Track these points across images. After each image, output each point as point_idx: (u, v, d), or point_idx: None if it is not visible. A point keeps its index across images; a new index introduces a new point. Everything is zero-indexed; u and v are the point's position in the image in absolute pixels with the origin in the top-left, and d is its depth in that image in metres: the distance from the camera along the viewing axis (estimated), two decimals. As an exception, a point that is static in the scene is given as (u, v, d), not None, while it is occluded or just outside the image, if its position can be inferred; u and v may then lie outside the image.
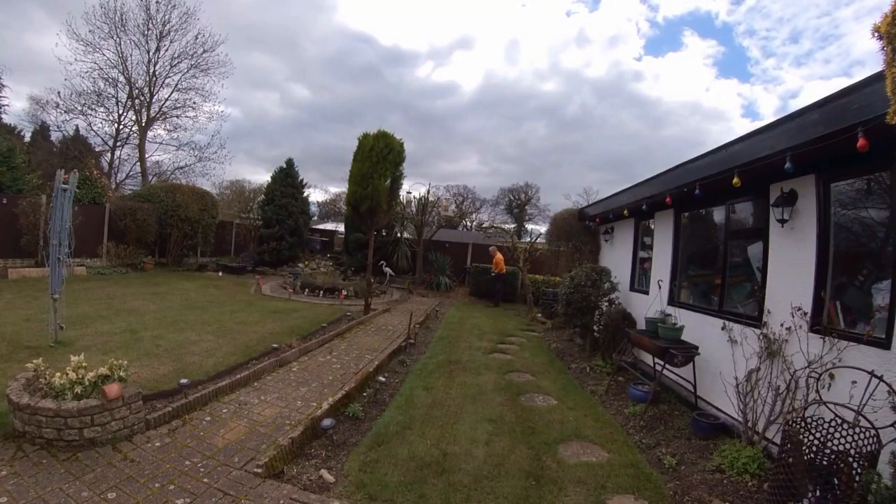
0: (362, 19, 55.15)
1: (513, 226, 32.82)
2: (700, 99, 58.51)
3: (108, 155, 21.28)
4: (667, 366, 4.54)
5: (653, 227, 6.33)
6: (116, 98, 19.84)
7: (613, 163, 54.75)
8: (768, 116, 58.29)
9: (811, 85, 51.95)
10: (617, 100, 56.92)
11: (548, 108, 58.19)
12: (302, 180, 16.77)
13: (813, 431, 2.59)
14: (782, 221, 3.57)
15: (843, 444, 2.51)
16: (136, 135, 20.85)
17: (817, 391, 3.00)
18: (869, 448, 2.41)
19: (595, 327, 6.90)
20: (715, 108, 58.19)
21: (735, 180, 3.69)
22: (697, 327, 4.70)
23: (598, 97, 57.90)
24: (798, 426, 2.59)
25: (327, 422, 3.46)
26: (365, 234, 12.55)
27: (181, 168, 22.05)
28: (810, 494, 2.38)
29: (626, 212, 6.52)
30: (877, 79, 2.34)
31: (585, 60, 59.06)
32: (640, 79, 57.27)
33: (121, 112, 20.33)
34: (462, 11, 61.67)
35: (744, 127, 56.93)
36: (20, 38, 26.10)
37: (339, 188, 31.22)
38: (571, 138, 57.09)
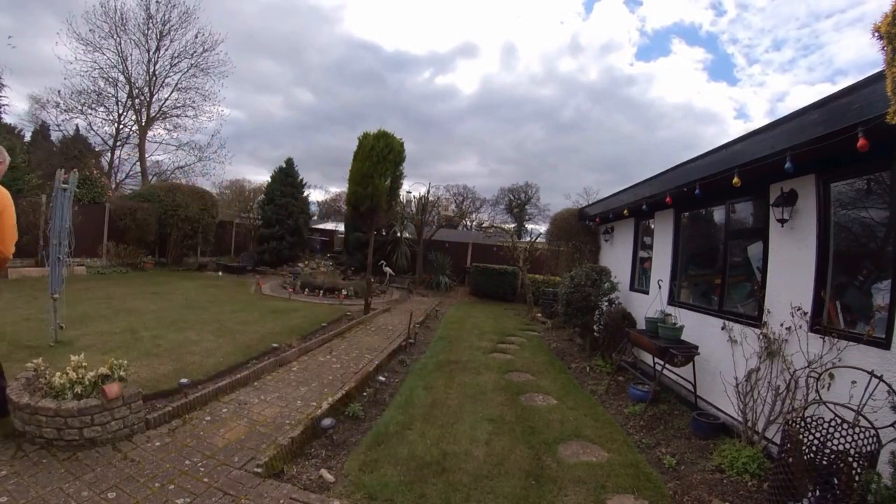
0: (365, 28, 55.89)
1: (513, 225, 32.82)
2: (692, 102, 59.28)
3: (108, 154, 21.29)
4: (667, 365, 4.54)
5: (653, 226, 6.33)
6: (116, 98, 19.86)
7: (610, 164, 55.13)
8: (758, 118, 59.15)
9: (797, 90, 53.04)
10: (611, 103, 57.56)
11: (544, 112, 58.91)
12: (302, 180, 16.78)
13: (813, 431, 2.59)
14: (782, 221, 3.57)
15: (843, 444, 2.51)
16: (136, 134, 20.85)
17: (817, 391, 3.00)
18: (869, 448, 2.42)
19: (595, 327, 6.90)
20: (707, 110, 58.99)
21: (735, 180, 3.69)
22: (697, 327, 4.70)
23: (593, 101, 58.58)
24: (798, 426, 2.59)
25: (327, 421, 3.46)
26: (365, 233, 12.55)
27: (181, 168, 22.07)
28: (810, 494, 2.38)
29: (626, 211, 6.51)
30: (877, 79, 2.35)
31: (579, 66, 59.61)
32: (633, 83, 57.86)
33: (121, 112, 20.34)
34: (461, 22, 63.19)
35: (738, 129, 57.63)
36: (33, 44, 26.33)
37: (339, 188, 31.29)
38: (568, 140, 57.68)
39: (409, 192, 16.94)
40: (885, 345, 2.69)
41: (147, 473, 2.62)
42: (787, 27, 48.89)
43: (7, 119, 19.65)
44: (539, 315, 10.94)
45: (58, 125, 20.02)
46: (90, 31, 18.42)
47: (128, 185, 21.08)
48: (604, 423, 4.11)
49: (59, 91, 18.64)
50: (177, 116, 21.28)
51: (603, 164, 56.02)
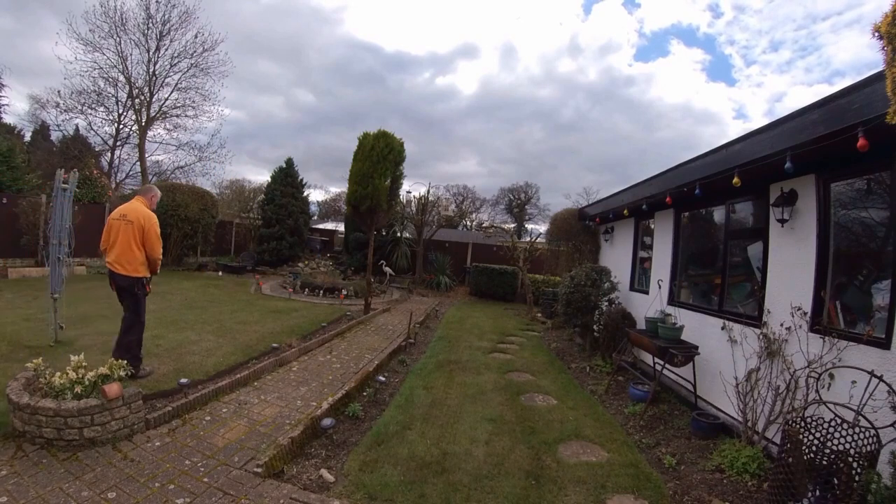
0: (366, 29, 56.19)
1: (513, 225, 32.82)
2: (691, 102, 59.60)
3: (108, 154, 21.26)
4: (667, 365, 4.54)
5: (653, 226, 6.33)
6: (116, 97, 19.80)
7: (609, 164, 55.34)
8: (757, 119, 59.41)
9: (795, 90, 53.45)
10: (611, 104, 57.86)
11: (543, 113, 59.19)
12: (302, 180, 16.77)
13: (813, 431, 2.59)
14: (782, 221, 3.57)
15: (843, 444, 2.51)
16: (136, 134, 20.81)
17: (817, 391, 3.00)
18: (869, 448, 2.42)
19: (595, 327, 6.90)
20: (706, 110, 59.37)
21: (735, 180, 3.69)
22: (697, 327, 4.70)
23: (592, 101, 58.89)
24: (798, 426, 2.59)
25: (327, 421, 3.46)
26: (365, 233, 12.55)
27: (181, 168, 22.01)
28: (810, 494, 2.38)
29: (626, 211, 6.51)
30: (877, 79, 2.35)
31: (578, 67, 59.86)
32: (632, 84, 58.10)
33: (121, 112, 20.28)
34: (461, 23, 63.92)
35: (737, 129, 57.91)
36: (33, 44, 26.36)
37: (339, 188, 31.28)
38: (567, 141, 57.95)
39: (409, 193, 16.94)
40: (885, 345, 2.69)
41: (147, 473, 2.62)
42: (785, 29, 49.27)
43: (7, 119, 19.71)
44: (539, 315, 10.94)
45: (58, 125, 20.01)
46: (90, 31, 18.36)
47: (128, 185, 21.05)
48: (604, 423, 4.11)
49: (59, 91, 18.57)
50: (177, 116, 21.21)
51: (602, 165, 56.23)
